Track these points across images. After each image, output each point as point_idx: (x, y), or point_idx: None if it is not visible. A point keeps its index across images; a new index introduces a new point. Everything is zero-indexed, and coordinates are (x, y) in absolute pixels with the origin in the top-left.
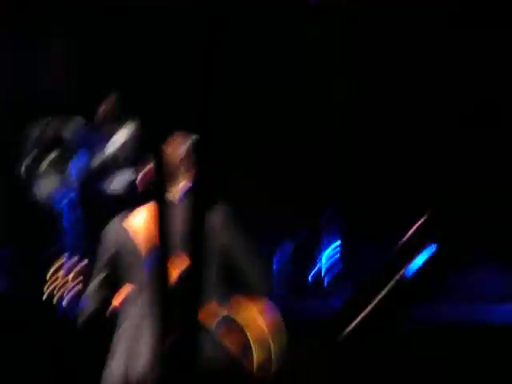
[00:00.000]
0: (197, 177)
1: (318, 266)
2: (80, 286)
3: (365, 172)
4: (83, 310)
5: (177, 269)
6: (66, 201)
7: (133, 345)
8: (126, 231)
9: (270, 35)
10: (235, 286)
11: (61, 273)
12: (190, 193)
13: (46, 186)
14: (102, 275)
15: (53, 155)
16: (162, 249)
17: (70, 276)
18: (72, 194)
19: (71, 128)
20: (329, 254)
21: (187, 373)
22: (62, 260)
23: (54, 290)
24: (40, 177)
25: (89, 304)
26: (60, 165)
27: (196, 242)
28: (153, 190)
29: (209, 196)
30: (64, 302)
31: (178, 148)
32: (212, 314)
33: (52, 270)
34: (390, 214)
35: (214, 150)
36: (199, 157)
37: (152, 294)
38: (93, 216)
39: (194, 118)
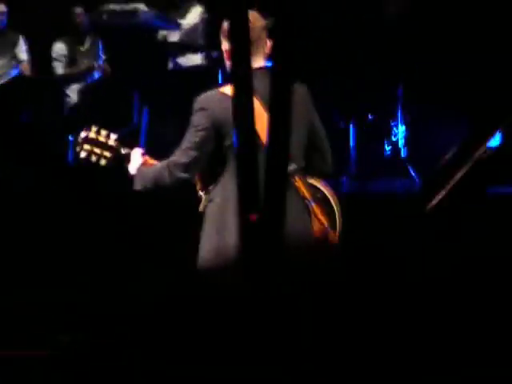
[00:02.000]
0: (278, 49)
1: (391, 144)
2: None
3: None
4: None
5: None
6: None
7: (221, 224)
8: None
9: None
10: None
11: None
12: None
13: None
14: (189, 155)
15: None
16: (243, 125)
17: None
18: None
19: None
20: (400, 134)
21: (275, 246)
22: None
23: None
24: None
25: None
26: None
27: (282, 113)
28: (233, 69)
29: (291, 67)
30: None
31: (255, 24)
32: (306, 186)
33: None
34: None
35: (293, 28)
36: (279, 32)
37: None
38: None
39: None
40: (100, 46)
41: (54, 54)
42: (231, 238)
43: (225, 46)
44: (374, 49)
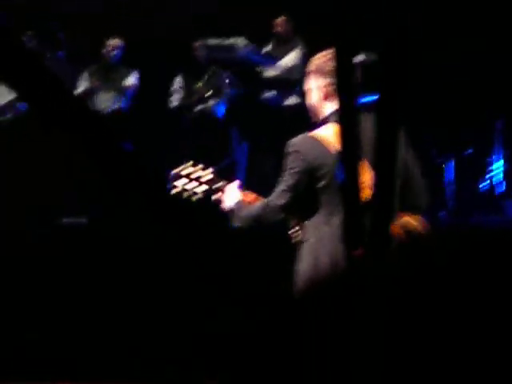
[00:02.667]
0: (385, 92)
1: (487, 180)
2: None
3: None
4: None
5: (367, 181)
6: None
7: (324, 262)
8: (321, 146)
9: None
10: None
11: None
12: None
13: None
14: (285, 196)
15: (219, 74)
16: (351, 159)
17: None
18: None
19: (239, 48)
20: (498, 169)
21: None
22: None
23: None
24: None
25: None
26: (221, 82)
27: (389, 155)
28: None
29: (398, 110)
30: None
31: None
32: (399, 225)
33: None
34: None
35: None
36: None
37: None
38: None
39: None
40: (222, 77)
41: (172, 87)
42: (324, 274)
43: (315, 83)
44: (472, 81)
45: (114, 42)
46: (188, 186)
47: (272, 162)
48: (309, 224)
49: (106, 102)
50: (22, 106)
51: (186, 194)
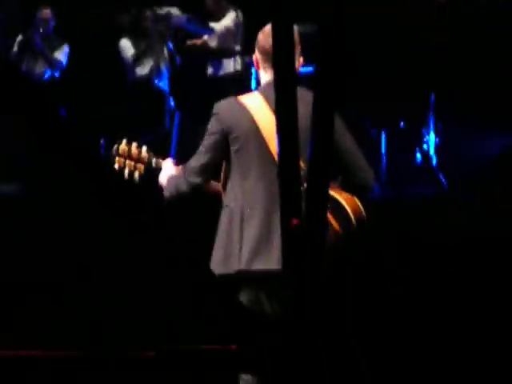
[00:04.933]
0: (324, 57)
1: (422, 151)
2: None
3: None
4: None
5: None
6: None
7: (245, 223)
8: (240, 109)
9: None
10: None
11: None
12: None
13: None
14: (201, 160)
15: (155, 39)
16: (287, 136)
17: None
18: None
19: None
20: (429, 142)
21: (315, 252)
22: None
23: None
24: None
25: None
26: (161, 48)
27: (324, 131)
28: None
29: (333, 87)
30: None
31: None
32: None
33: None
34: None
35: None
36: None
37: (264, 175)
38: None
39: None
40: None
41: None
42: (236, 242)
43: (257, 56)
44: (407, 57)
45: (45, 13)
46: (129, 163)
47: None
48: (227, 188)
49: (37, 70)
50: None
51: (127, 171)
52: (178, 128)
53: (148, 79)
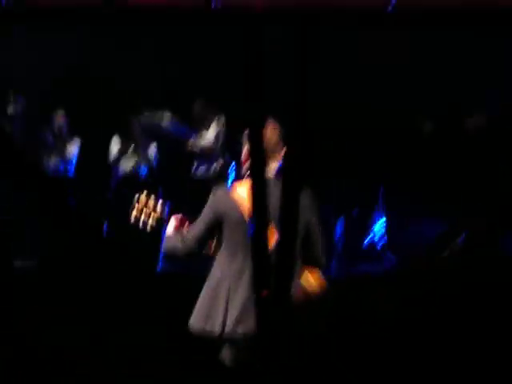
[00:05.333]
0: (288, 159)
1: (370, 236)
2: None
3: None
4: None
5: (271, 238)
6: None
7: (231, 294)
8: (231, 200)
9: None
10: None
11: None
12: (282, 172)
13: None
14: (197, 231)
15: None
16: (259, 219)
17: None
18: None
19: (165, 121)
20: (379, 227)
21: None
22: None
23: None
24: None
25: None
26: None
27: (289, 217)
28: (252, 169)
29: (299, 176)
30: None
31: (273, 133)
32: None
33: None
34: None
35: (302, 138)
36: (290, 142)
37: (249, 256)
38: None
39: (286, 110)
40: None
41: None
42: (221, 310)
43: (246, 148)
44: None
45: (60, 117)
46: (143, 214)
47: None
48: (215, 262)
49: (51, 163)
50: None
51: (140, 220)
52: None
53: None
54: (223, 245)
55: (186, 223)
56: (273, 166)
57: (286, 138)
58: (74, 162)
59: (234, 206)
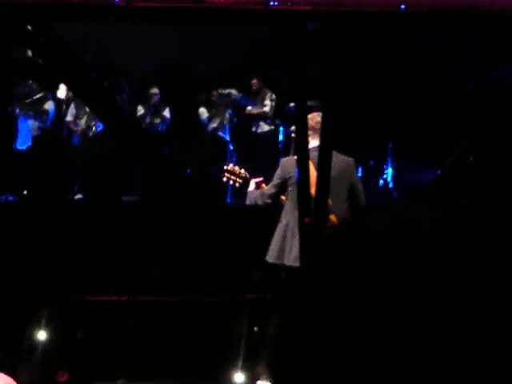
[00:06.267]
0: (325, 123)
1: (381, 180)
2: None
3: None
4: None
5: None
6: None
7: (290, 237)
8: (294, 166)
9: None
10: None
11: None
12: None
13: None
14: (271, 190)
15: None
16: (304, 177)
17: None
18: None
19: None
20: (389, 174)
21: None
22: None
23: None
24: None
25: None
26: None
27: (325, 170)
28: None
29: (332, 139)
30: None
31: (314, 116)
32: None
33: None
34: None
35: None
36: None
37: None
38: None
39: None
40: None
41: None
42: (288, 246)
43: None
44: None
45: (153, 90)
46: (233, 177)
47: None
48: (284, 210)
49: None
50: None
51: (231, 182)
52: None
53: (216, 132)
54: (289, 198)
55: (262, 184)
56: (313, 144)
57: (323, 112)
58: (166, 124)
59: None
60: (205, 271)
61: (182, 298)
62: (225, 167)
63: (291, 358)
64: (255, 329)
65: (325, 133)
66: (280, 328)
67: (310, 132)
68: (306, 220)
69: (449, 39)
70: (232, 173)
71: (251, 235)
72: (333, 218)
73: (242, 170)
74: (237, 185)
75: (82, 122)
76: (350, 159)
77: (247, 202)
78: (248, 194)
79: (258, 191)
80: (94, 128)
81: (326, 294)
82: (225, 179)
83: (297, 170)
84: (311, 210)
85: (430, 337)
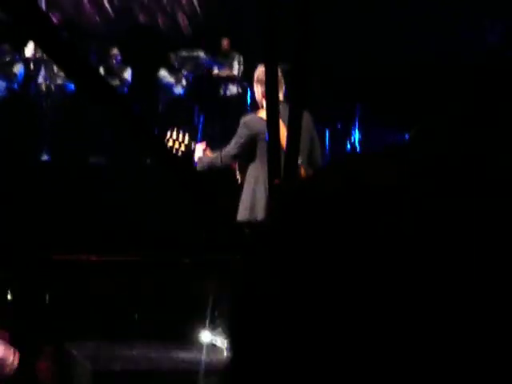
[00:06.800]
0: (296, 83)
1: (352, 143)
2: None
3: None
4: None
5: (283, 141)
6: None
7: (262, 192)
8: (261, 121)
9: None
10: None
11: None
12: (288, 97)
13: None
14: (236, 150)
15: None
16: (273, 131)
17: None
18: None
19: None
20: (356, 137)
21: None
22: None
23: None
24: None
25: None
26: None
27: (295, 126)
28: (268, 96)
29: (303, 98)
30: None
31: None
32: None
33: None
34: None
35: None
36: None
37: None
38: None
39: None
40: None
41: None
42: (261, 200)
43: (258, 88)
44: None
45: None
46: (176, 145)
47: (218, 128)
48: (250, 168)
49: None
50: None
51: (174, 150)
52: (202, 125)
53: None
54: (256, 155)
55: (207, 149)
56: (280, 95)
57: (292, 76)
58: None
59: (263, 125)
60: (174, 232)
61: (148, 258)
62: (168, 134)
63: (247, 317)
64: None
65: (296, 93)
66: (236, 287)
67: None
68: (276, 181)
69: None
70: (176, 140)
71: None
72: (302, 171)
73: (187, 137)
74: (179, 153)
75: (53, 82)
76: (308, 112)
77: (198, 169)
78: (198, 160)
79: (214, 155)
80: (64, 89)
81: (281, 253)
82: (168, 144)
83: (263, 126)
84: (281, 170)
85: (378, 294)
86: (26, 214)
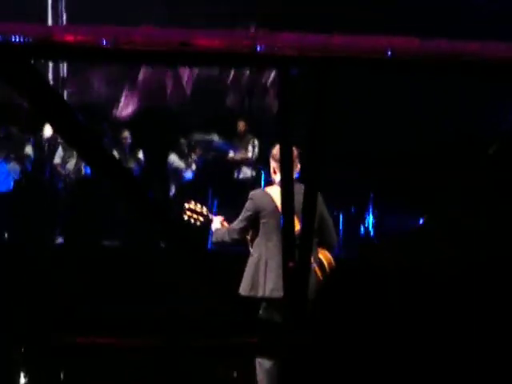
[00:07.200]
0: (310, 168)
1: (365, 227)
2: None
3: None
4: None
5: (297, 225)
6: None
7: (268, 267)
8: (267, 197)
9: None
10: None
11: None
12: (302, 177)
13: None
14: (241, 224)
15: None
16: (288, 211)
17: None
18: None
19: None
20: (370, 222)
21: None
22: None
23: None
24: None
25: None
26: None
27: (310, 209)
28: (283, 175)
29: (317, 180)
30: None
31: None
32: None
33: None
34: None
35: (322, 154)
36: (312, 157)
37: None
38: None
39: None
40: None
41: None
42: (262, 278)
43: (272, 164)
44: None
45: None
46: (194, 216)
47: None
48: (254, 244)
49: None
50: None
51: (192, 221)
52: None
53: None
54: (260, 231)
55: (225, 222)
56: (294, 175)
57: (308, 154)
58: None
59: (270, 201)
60: (188, 314)
61: (161, 342)
62: (186, 205)
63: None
64: (234, 374)
65: (311, 178)
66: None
67: (276, 165)
68: (291, 264)
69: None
70: (193, 211)
71: (233, 280)
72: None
73: (204, 208)
74: (198, 223)
75: (70, 165)
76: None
77: (213, 241)
78: (214, 232)
79: (225, 228)
80: (82, 171)
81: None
82: (186, 217)
83: (269, 202)
84: (295, 252)
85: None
86: (40, 295)
